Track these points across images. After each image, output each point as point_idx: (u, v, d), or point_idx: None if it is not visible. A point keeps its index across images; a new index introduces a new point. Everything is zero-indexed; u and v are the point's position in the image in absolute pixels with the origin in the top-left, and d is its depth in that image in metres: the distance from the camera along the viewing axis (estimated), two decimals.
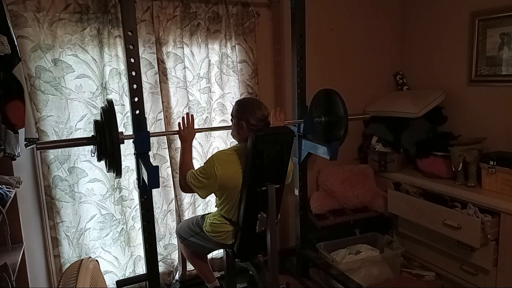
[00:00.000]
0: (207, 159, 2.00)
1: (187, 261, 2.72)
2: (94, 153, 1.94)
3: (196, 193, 2.00)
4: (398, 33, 3.41)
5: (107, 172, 2.00)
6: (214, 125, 2.79)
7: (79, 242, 2.48)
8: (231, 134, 2.12)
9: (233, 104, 2.78)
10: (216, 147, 2.80)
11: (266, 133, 1.92)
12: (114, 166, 1.89)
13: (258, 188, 1.93)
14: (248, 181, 1.92)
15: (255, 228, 2.00)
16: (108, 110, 1.87)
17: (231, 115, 2.07)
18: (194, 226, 2.24)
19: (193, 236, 2.23)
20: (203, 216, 2.25)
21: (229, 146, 2.76)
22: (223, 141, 2.82)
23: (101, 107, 1.96)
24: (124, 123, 2.49)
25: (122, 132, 1.99)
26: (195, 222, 2.26)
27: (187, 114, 2.15)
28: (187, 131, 2.11)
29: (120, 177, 2.01)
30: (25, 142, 1.93)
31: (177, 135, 2.17)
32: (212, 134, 2.79)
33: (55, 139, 2.33)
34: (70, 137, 2.37)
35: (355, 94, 3.26)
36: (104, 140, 1.84)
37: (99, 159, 1.93)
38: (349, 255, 2.78)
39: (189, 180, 1.97)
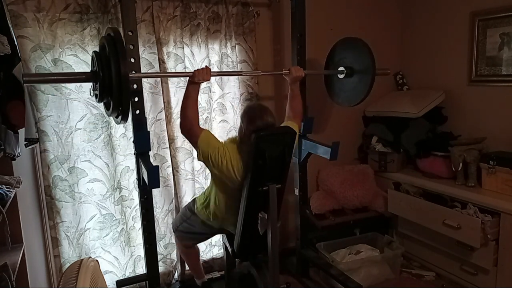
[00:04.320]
0: (223, 147, 1.99)
1: None
2: (94, 91, 1.65)
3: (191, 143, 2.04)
4: (398, 33, 3.41)
5: (110, 115, 1.71)
6: (214, 125, 2.79)
7: (79, 242, 2.48)
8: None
9: (233, 104, 2.81)
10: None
11: (268, 134, 1.91)
12: (121, 106, 1.61)
13: (259, 188, 1.92)
14: (250, 181, 1.92)
15: (255, 227, 2.00)
16: (116, 39, 1.57)
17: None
18: (186, 210, 2.33)
19: (184, 222, 2.30)
20: (194, 200, 2.32)
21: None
22: (222, 139, 2.81)
23: (104, 36, 1.65)
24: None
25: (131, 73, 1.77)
26: (186, 206, 2.35)
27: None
28: (203, 71, 1.98)
29: (126, 121, 1.76)
30: (25, 142, 1.93)
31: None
32: (212, 132, 2.78)
33: (55, 139, 2.34)
34: (70, 138, 2.38)
35: None
36: (109, 75, 1.55)
37: (100, 99, 1.66)
38: (349, 255, 2.78)
39: (200, 140, 1.95)
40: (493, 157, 2.48)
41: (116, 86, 1.55)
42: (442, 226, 2.52)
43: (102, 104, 2.36)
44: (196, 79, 1.97)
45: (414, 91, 3.31)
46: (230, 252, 2.22)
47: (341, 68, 2.51)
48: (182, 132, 2.06)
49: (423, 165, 2.94)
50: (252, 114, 1.99)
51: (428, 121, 3.01)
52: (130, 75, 1.73)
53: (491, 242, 2.35)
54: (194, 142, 2.00)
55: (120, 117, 1.67)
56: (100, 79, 1.59)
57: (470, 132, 2.87)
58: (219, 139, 2.76)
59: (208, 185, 2.24)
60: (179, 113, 2.59)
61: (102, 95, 1.62)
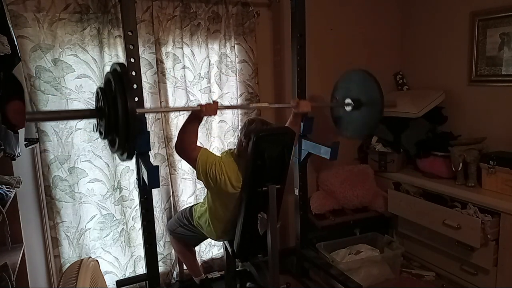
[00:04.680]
0: (219, 163, 2.00)
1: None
2: (99, 127, 1.58)
3: (187, 161, 2.06)
4: (398, 33, 3.41)
5: (114, 152, 1.66)
6: (214, 125, 2.79)
7: (79, 242, 2.48)
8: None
9: (231, 104, 2.82)
10: (216, 147, 2.80)
11: (267, 134, 1.92)
12: (127, 143, 1.54)
13: (258, 188, 1.92)
14: (249, 181, 1.92)
15: (255, 228, 2.00)
16: (123, 74, 1.52)
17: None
18: (183, 218, 2.33)
19: (181, 227, 2.32)
20: (190, 209, 2.32)
21: (226, 146, 2.79)
22: (221, 141, 2.82)
23: (109, 73, 1.58)
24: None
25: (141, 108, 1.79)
26: (183, 214, 2.35)
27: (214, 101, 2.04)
28: (211, 107, 1.94)
29: (131, 158, 1.69)
30: (25, 142, 1.93)
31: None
32: (212, 134, 2.79)
33: (55, 139, 2.34)
34: (70, 138, 2.38)
35: None
36: (115, 111, 1.47)
37: (105, 137, 1.59)
38: (349, 255, 2.78)
39: (198, 161, 1.97)
40: (493, 157, 2.48)
41: (123, 123, 1.47)
42: (442, 226, 2.52)
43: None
44: (202, 115, 1.95)
45: (414, 91, 3.31)
46: (230, 252, 2.22)
47: (348, 101, 2.39)
48: (177, 152, 2.07)
49: (423, 165, 2.94)
50: (253, 127, 1.99)
51: (428, 121, 3.00)
52: (138, 111, 1.68)
53: (491, 242, 2.35)
54: (192, 164, 2.02)
55: (125, 154, 1.59)
56: (106, 116, 1.51)
57: (470, 132, 2.87)
58: (217, 139, 2.81)
59: (204, 201, 2.24)
60: (176, 112, 2.62)
61: (107, 132, 1.54)
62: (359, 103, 2.35)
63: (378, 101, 2.22)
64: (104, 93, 1.52)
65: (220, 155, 2.15)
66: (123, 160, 1.73)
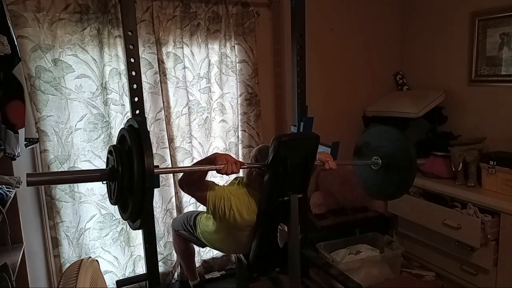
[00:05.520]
0: (228, 196, 1.90)
1: None
2: (109, 191, 1.43)
3: (195, 197, 1.95)
4: (398, 33, 3.41)
5: (126, 219, 1.48)
6: (214, 125, 2.79)
7: (79, 242, 2.48)
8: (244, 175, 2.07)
9: (232, 104, 2.82)
10: (216, 147, 2.80)
11: (290, 139, 1.78)
12: (142, 209, 1.37)
13: (279, 198, 1.78)
14: (268, 190, 1.80)
15: (273, 240, 1.90)
16: (140, 130, 1.36)
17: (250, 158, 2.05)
18: (187, 224, 2.29)
19: (185, 231, 2.29)
20: (195, 219, 2.25)
21: (227, 145, 2.78)
22: (223, 141, 2.83)
23: (124, 129, 1.46)
24: (124, 123, 2.48)
25: (157, 166, 1.54)
26: (188, 220, 2.30)
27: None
28: (232, 168, 1.70)
29: (144, 227, 1.54)
30: (25, 142, 1.93)
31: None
32: (212, 133, 2.79)
33: (55, 139, 2.34)
34: (70, 138, 2.38)
35: (355, 94, 3.26)
36: (131, 174, 1.32)
37: (116, 202, 1.42)
38: (349, 255, 2.78)
39: (209, 198, 1.86)
40: (493, 157, 2.48)
41: (138, 186, 1.31)
42: (442, 226, 2.52)
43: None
44: (222, 173, 1.69)
45: (414, 91, 3.31)
46: (244, 265, 2.07)
47: (375, 158, 2.11)
48: (181, 188, 1.96)
49: (423, 165, 2.94)
50: (264, 154, 1.87)
51: (428, 121, 3.01)
52: (156, 171, 1.45)
53: (491, 242, 2.35)
54: (201, 201, 1.92)
55: (138, 222, 1.41)
56: (119, 178, 1.35)
57: (470, 132, 2.87)
58: (218, 138, 2.81)
59: (208, 218, 2.11)
60: (178, 113, 2.62)
61: (120, 196, 1.38)
62: (388, 162, 2.06)
63: (409, 166, 1.95)
64: (118, 151, 1.37)
65: (229, 185, 2.09)
66: (134, 229, 1.58)
